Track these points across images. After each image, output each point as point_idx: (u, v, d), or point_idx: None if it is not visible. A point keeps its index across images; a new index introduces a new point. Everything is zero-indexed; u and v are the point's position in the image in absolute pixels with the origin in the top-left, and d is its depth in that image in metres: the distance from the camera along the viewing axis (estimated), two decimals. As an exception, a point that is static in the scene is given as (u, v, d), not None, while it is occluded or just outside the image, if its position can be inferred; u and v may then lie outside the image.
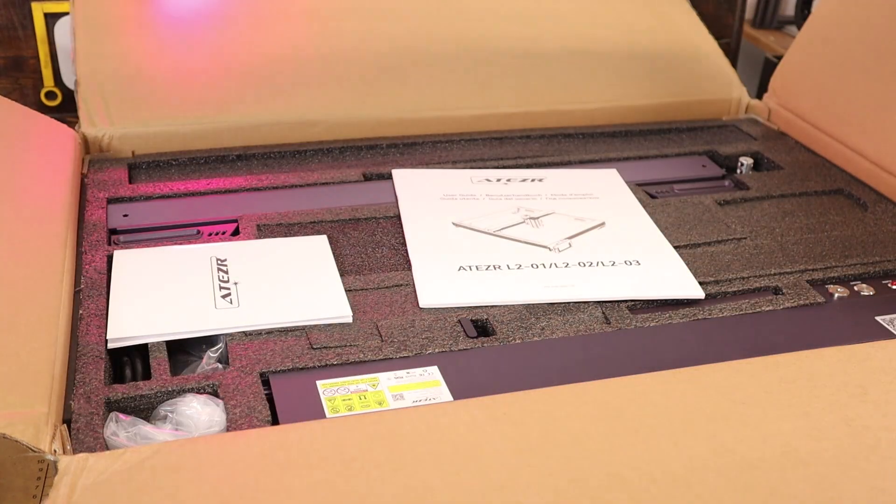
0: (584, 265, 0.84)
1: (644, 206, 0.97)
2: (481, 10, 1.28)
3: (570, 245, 0.88)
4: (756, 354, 0.68)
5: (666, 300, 0.81)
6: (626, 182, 1.03)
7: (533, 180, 1.02)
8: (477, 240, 0.89)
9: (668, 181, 1.07)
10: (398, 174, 1.02)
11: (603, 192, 1.01)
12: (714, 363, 0.67)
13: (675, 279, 0.83)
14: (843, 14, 1.17)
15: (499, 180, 1.02)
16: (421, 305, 0.78)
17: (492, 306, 0.78)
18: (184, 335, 0.73)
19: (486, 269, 0.83)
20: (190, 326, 0.73)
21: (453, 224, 0.91)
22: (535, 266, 0.84)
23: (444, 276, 0.82)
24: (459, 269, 0.83)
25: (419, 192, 0.98)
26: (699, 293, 0.81)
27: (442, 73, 1.20)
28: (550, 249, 0.87)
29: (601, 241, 0.90)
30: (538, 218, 0.93)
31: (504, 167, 1.07)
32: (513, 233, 0.90)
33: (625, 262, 0.86)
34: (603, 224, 0.93)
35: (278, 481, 0.53)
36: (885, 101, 1.05)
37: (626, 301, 0.80)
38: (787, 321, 0.78)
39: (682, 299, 0.81)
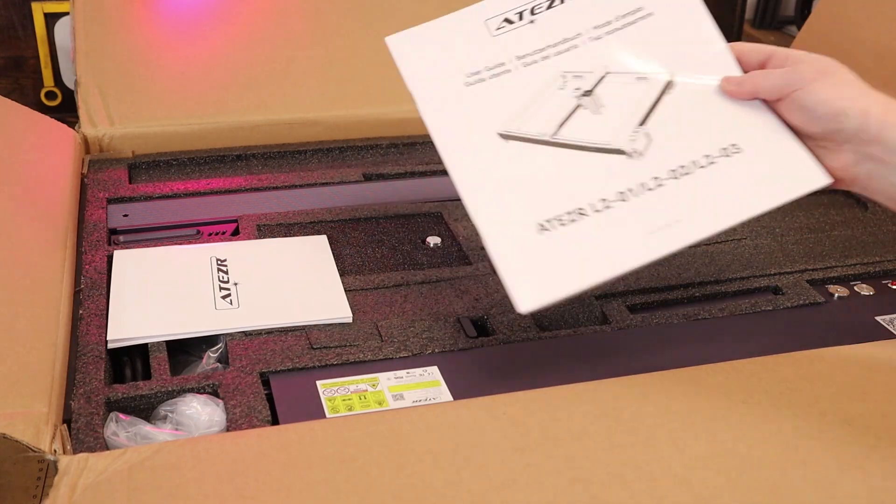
0: (678, 175, 0.66)
1: None
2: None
3: (649, 138, 0.68)
4: (756, 354, 0.68)
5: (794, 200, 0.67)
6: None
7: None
8: (535, 160, 0.69)
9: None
10: (395, 43, 0.76)
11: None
12: (714, 363, 0.67)
13: (794, 165, 0.67)
14: (843, 14, 1.17)
15: (521, 19, 0.76)
16: (522, 311, 0.62)
17: (497, 307, 0.78)
18: (184, 335, 0.73)
19: (570, 220, 0.64)
20: (190, 326, 0.73)
21: (501, 137, 0.70)
22: (623, 198, 0.65)
23: (531, 250, 0.64)
24: (542, 231, 0.64)
25: (435, 76, 0.74)
26: (826, 179, 0.67)
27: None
28: (628, 154, 0.68)
29: (679, 119, 0.69)
30: (592, 91, 0.71)
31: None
32: (573, 133, 0.70)
33: (723, 151, 0.67)
34: (671, 83, 0.72)
35: (278, 481, 0.53)
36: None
37: (757, 216, 0.66)
38: (787, 321, 0.78)
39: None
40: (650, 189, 0.66)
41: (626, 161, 0.67)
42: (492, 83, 0.73)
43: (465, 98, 0.72)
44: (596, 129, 0.69)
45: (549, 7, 0.76)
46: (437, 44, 0.75)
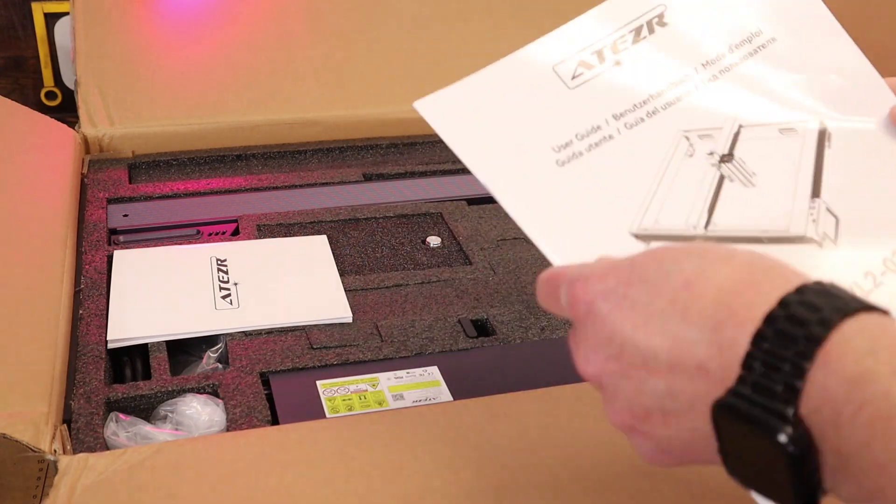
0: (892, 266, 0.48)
1: None
2: (481, 10, 1.28)
3: (833, 215, 0.50)
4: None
5: None
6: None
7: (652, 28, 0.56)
8: None
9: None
10: (431, 110, 0.56)
11: (777, 19, 0.58)
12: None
13: None
14: (842, 14, 1.17)
15: (602, 61, 0.55)
16: None
17: (497, 307, 0.78)
18: (184, 335, 0.73)
19: None
20: (190, 326, 0.73)
21: (635, 238, 0.49)
22: None
23: None
24: None
25: (509, 151, 0.52)
26: None
27: (443, 73, 1.20)
28: (815, 242, 0.49)
29: (858, 182, 0.52)
30: (731, 154, 0.52)
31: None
32: (731, 219, 0.50)
33: None
34: (826, 132, 0.53)
35: (278, 481, 0.53)
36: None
37: None
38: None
39: None
40: (867, 291, 0.46)
41: (816, 252, 0.48)
42: (593, 158, 0.52)
43: (563, 182, 0.51)
44: (757, 208, 0.50)
45: (636, 41, 0.56)
46: (495, 106, 0.55)
